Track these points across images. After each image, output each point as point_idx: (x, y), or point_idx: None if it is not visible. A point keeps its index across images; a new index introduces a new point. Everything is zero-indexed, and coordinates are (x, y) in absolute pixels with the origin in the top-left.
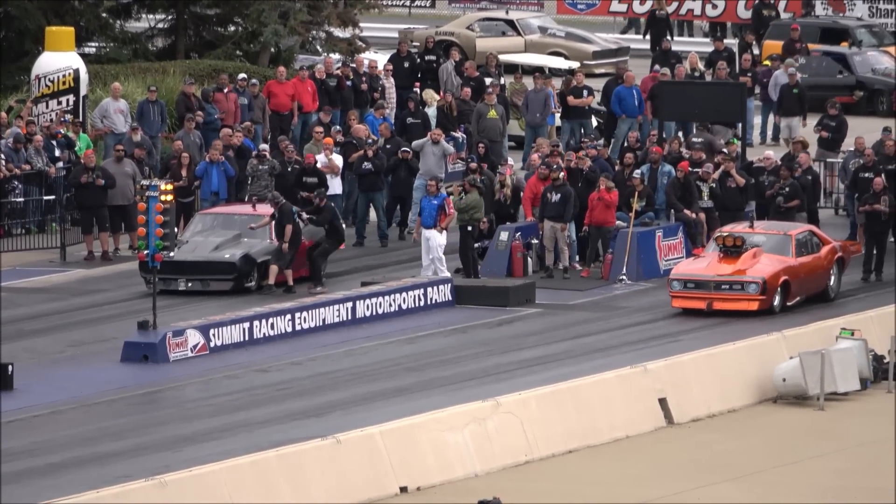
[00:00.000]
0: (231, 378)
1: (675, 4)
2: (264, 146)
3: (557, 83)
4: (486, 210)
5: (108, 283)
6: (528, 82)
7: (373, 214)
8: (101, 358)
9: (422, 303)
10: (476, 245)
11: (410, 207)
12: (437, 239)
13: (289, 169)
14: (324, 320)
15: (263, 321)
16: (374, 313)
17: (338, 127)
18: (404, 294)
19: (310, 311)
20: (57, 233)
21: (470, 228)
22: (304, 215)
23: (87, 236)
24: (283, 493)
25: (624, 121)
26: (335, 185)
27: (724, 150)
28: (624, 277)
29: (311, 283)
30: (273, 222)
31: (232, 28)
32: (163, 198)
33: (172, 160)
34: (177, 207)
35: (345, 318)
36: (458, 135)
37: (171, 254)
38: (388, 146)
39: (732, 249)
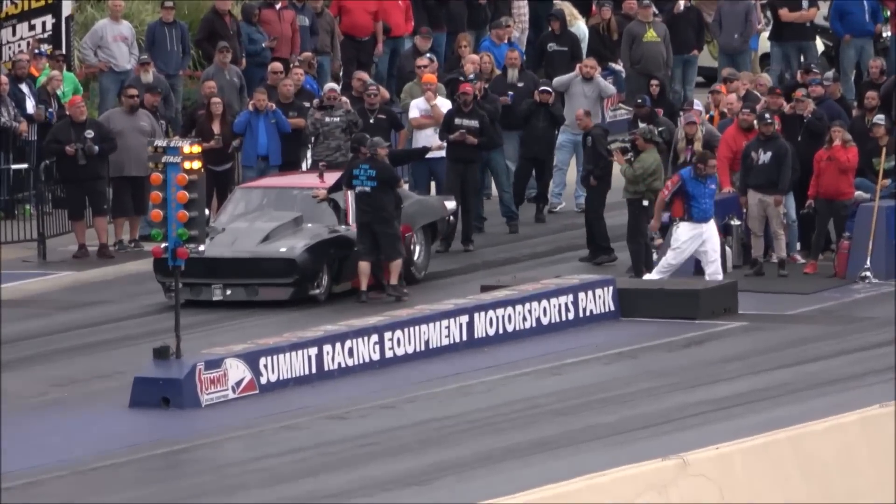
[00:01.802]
0: (292, 430)
1: None
2: (333, 87)
3: None
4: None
5: (108, 292)
6: None
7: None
8: (101, 402)
9: (570, 315)
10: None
11: (552, 175)
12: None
13: (371, 121)
14: (426, 343)
15: (338, 345)
16: (501, 331)
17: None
18: (545, 303)
19: (406, 330)
20: (32, 219)
21: (646, 203)
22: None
23: (76, 223)
24: None
25: (849, 43)
26: (433, 143)
27: None
28: (868, 274)
29: (390, 287)
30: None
31: None
32: (187, 165)
33: (200, 110)
34: (208, 179)
35: (457, 340)
36: (620, 66)
37: (201, 247)
38: (520, 84)
39: None
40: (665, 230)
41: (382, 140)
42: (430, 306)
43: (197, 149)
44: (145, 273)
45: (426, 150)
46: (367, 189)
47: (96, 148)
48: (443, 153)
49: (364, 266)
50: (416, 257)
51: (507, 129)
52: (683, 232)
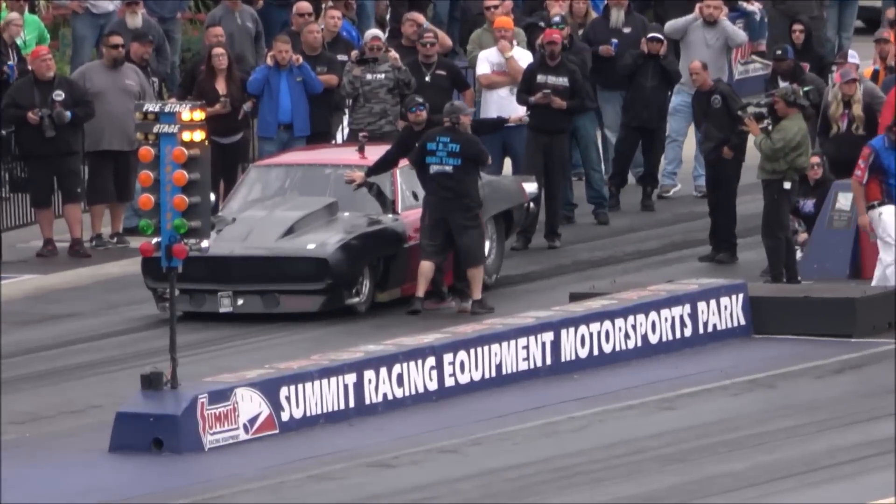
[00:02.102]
0: (322, 481)
1: None
2: (377, 34)
3: None
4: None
5: (83, 302)
6: None
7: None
8: (74, 445)
9: (687, 331)
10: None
11: (663, 148)
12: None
13: (427, 79)
14: (498, 368)
15: (383, 371)
16: (596, 353)
17: None
18: (653, 315)
19: (472, 352)
20: None
21: (787, 186)
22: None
23: (41, 212)
24: None
25: None
26: (508, 108)
27: None
28: None
29: (475, 304)
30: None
31: None
32: (186, 136)
33: (203, 65)
34: (214, 155)
35: (539, 364)
36: (755, 6)
37: (205, 244)
38: (626, 30)
39: None
40: (811, 221)
41: (465, 105)
42: (503, 320)
43: (200, 115)
44: (131, 277)
45: (503, 121)
46: (448, 169)
47: (68, 114)
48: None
49: (428, 268)
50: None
51: (606, 88)
52: (891, 217)
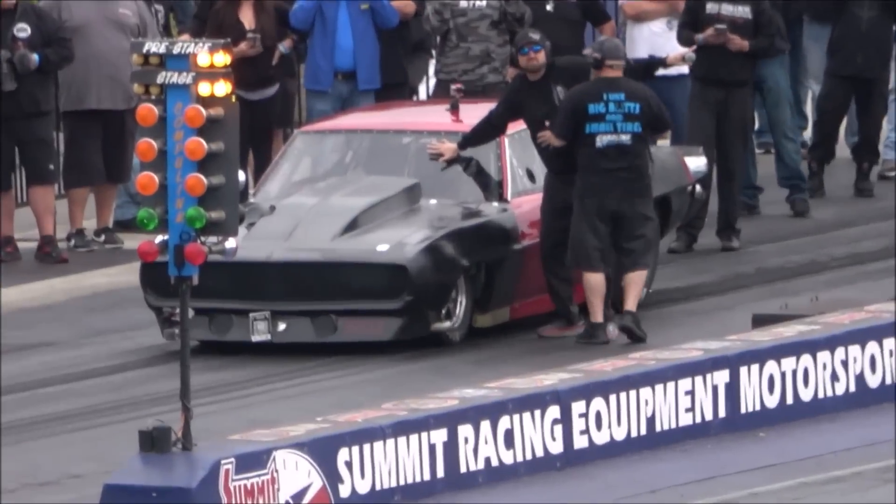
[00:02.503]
0: None
1: None
2: None
3: None
4: None
5: (57, 326)
6: None
7: None
8: None
9: None
10: None
11: (885, 109)
12: None
13: (549, 7)
14: (650, 422)
15: (485, 425)
16: (790, 400)
17: None
18: (873, 348)
19: (611, 399)
20: None
21: None
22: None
23: (1, 196)
24: None
25: None
26: (665, 49)
27: None
28: None
29: (627, 317)
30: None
31: None
32: (205, 89)
33: None
34: (241, 117)
35: (709, 416)
36: None
37: (231, 243)
38: None
39: None
40: None
41: (621, 44)
42: (656, 354)
43: (224, 57)
44: (125, 291)
45: (658, 63)
46: (626, 139)
47: (35, 57)
48: (684, 68)
49: (599, 282)
50: None
51: (814, 19)
52: None
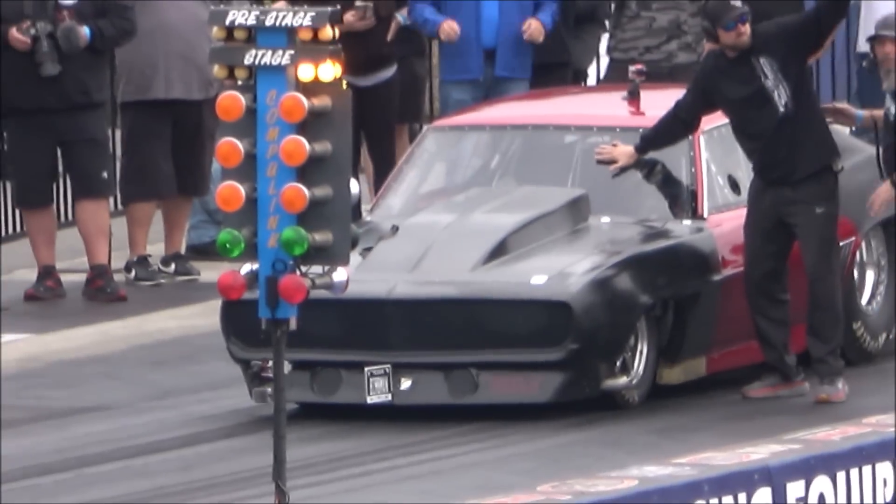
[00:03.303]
0: None
1: None
2: None
3: None
4: None
5: (112, 384)
6: None
7: None
8: None
9: None
10: None
11: None
12: None
13: None
14: None
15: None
16: None
17: None
18: None
19: (838, 477)
20: None
21: None
22: None
23: (34, 216)
24: None
25: None
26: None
27: None
28: None
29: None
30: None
31: None
32: (306, 73)
33: None
34: (354, 108)
35: None
36: None
37: (341, 276)
38: None
39: None
40: None
41: None
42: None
43: (331, 31)
44: (201, 338)
45: None
46: None
47: (84, 31)
48: None
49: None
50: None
51: None
52: None
